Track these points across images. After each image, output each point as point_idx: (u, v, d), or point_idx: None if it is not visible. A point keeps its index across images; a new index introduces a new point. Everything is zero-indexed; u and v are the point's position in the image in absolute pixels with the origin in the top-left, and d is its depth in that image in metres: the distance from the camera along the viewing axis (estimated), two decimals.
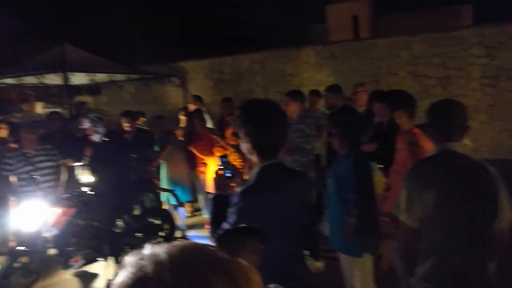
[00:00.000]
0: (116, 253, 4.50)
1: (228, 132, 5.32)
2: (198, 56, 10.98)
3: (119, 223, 4.97)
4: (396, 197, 2.21)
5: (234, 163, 4.54)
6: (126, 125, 5.69)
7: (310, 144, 4.69)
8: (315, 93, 5.97)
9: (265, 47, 10.55)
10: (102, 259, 4.55)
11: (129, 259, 0.74)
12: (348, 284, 2.95)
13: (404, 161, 2.90)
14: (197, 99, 7.58)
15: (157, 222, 5.13)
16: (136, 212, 5.33)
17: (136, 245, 4.87)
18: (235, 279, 0.74)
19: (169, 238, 5.16)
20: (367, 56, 9.08)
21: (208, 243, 0.91)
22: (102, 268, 4.53)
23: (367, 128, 3.99)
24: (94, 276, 4.63)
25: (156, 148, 5.74)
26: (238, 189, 1.84)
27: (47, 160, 4.65)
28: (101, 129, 4.67)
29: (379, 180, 3.20)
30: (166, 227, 5.12)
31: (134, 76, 9.71)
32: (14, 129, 5.48)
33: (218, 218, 1.84)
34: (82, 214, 4.48)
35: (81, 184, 4.97)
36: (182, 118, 6.68)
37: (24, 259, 4.13)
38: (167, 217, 5.21)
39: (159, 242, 5.01)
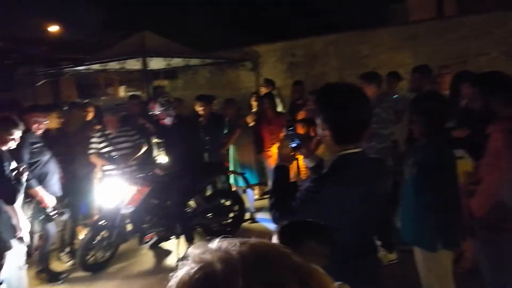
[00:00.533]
0: (188, 232, 4.63)
1: (300, 116, 5.20)
2: (271, 39, 10.85)
3: (191, 203, 5.12)
4: (488, 192, 1.96)
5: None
6: (200, 109, 5.80)
7: (388, 129, 4.40)
8: (394, 75, 5.59)
9: (340, 29, 10.10)
10: (174, 237, 4.72)
11: (195, 251, 0.68)
12: (424, 281, 2.73)
13: (500, 152, 2.55)
14: (269, 82, 7.52)
15: (227, 203, 5.21)
16: (208, 193, 5.44)
17: (207, 225, 4.99)
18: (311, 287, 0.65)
19: (238, 219, 5.22)
20: (452, 35, 8.31)
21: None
22: (174, 245, 4.70)
23: (451, 114, 3.63)
24: (166, 252, 4.83)
25: (226, 131, 5.79)
26: (312, 176, 1.73)
27: (127, 141, 4.90)
28: (172, 112, 4.79)
29: (465, 167, 2.89)
30: (235, 209, 5.18)
31: (208, 61, 9.86)
32: (99, 112, 5.85)
33: (278, 191, 1.76)
34: (156, 193, 4.66)
35: (156, 164, 5.18)
36: (254, 102, 6.67)
37: (104, 233, 4.41)
38: (237, 199, 5.27)
39: (229, 223, 5.13)
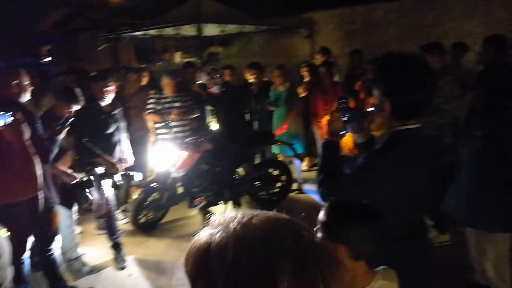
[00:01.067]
0: (235, 198, 4.71)
1: (357, 86, 5.02)
2: (329, 5, 10.42)
3: (240, 170, 5.18)
4: None
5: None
6: (251, 77, 5.75)
7: (451, 104, 4.11)
8: (459, 46, 5.17)
9: None
10: (222, 202, 4.82)
11: (213, 219, 0.72)
12: (477, 264, 2.59)
13: None
14: (325, 51, 7.26)
15: (275, 173, 5.20)
16: (256, 161, 5.47)
17: (254, 193, 5.05)
18: (310, 271, 0.63)
19: (285, 189, 5.22)
20: None
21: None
22: (222, 210, 4.80)
23: None
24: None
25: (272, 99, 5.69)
26: (363, 153, 1.65)
27: (181, 106, 4.99)
28: (218, 80, 4.77)
29: None
30: (283, 179, 5.17)
31: (262, 27, 9.69)
32: (153, 77, 5.98)
33: (326, 168, 1.69)
34: (207, 159, 4.75)
35: (208, 131, 5.25)
36: (305, 73, 6.49)
37: (156, 195, 4.59)
38: (285, 168, 5.25)
39: (275, 192, 5.15)
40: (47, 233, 3.29)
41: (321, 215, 1.36)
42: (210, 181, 4.81)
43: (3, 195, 2.87)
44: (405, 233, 1.58)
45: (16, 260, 2.94)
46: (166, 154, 4.55)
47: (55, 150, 3.21)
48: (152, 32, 9.21)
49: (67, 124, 3.22)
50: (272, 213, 0.71)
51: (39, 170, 3.02)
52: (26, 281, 3.08)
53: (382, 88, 1.59)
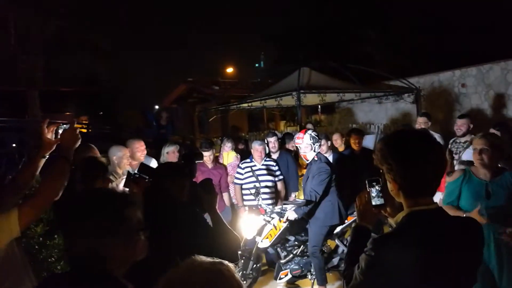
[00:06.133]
0: (320, 274, 4.46)
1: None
2: (433, 70, 9.95)
3: (329, 244, 4.93)
4: None
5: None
6: (353, 142, 5.70)
7: None
8: None
9: None
10: (309, 277, 4.60)
11: None
12: None
13: None
14: (426, 116, 6.83)
15: None
16: (347, 236, 5.16)
17: (339, 268, 4.71)
18: None
19: None
20: None
21: None
22: (310, 285, 4.57)
23: None
24: None
25: None
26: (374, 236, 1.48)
27: (269, 174, 5.08)
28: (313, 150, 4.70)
29: None
30: None
31: (365, 94, 9.60)
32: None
33: (352, 257, 1.52)
34: (292, 230, 4.65)
35: (296, 201, 5.19)
36: None
37: (240, 264, 4.58)
38: None
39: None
40: None
41: None
42: (297, 254, 4.66)
43: None
44: None
45: None
46: (252, 223, 4.58)
47: None
48: (257, 103, 9.79)
49: None
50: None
51: None
52: None
53: (385, 166, 1.47)
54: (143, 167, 2.87)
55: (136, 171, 2.85)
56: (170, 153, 4.91)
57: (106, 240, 1.25)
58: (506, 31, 13.00)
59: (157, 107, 17.54)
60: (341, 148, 6.38)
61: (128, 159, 4.18)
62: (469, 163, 3.60)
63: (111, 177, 3.98)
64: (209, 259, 1.04)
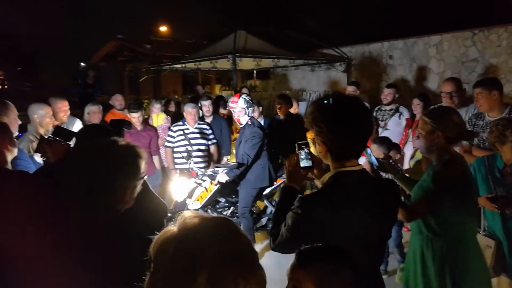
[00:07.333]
0: (250, 232, 4.60)
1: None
2: (366, 40, 10.31)
3: (258, 205, 5.08)
4: None
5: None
6: (278, 108, 5.79)
7: None
8: None
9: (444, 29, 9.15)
10: None
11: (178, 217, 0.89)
12: None
13: None
14: (355, 84, 7.12)
15: None
16: (276, 197, 5.35)
17: (267, 227, 4.90)
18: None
19: None
20: None
21: None
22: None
23: None
24: None
25: None
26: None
27: (202, 138, 5.03)
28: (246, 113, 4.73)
29: None
30: None
31: (298, 61, 9.74)
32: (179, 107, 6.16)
33: (279, 215, 1.59)
34: (223, 192, 4.71)
35: (228, 164, 5.23)
36: None
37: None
38: None
39: None
40: None
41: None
42: (226, 214, 4.75)
43: None
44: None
45: None
46: (183, 185, 4.56)
47: None
48: (191, 65, 9.53)
49: None
50: (216, 218, 0.93)
51: None
52: None
53: (314, 129, 1.52)
54: (59, 130, 2.71)
55: (50, 135, 2.68)
56: (91, 114, 4.67)
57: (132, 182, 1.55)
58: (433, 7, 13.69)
59: (83, 64, 16.38)
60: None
61: (52, 118, 3.90)
62: None
63: (30, 137, 3.71)
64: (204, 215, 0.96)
